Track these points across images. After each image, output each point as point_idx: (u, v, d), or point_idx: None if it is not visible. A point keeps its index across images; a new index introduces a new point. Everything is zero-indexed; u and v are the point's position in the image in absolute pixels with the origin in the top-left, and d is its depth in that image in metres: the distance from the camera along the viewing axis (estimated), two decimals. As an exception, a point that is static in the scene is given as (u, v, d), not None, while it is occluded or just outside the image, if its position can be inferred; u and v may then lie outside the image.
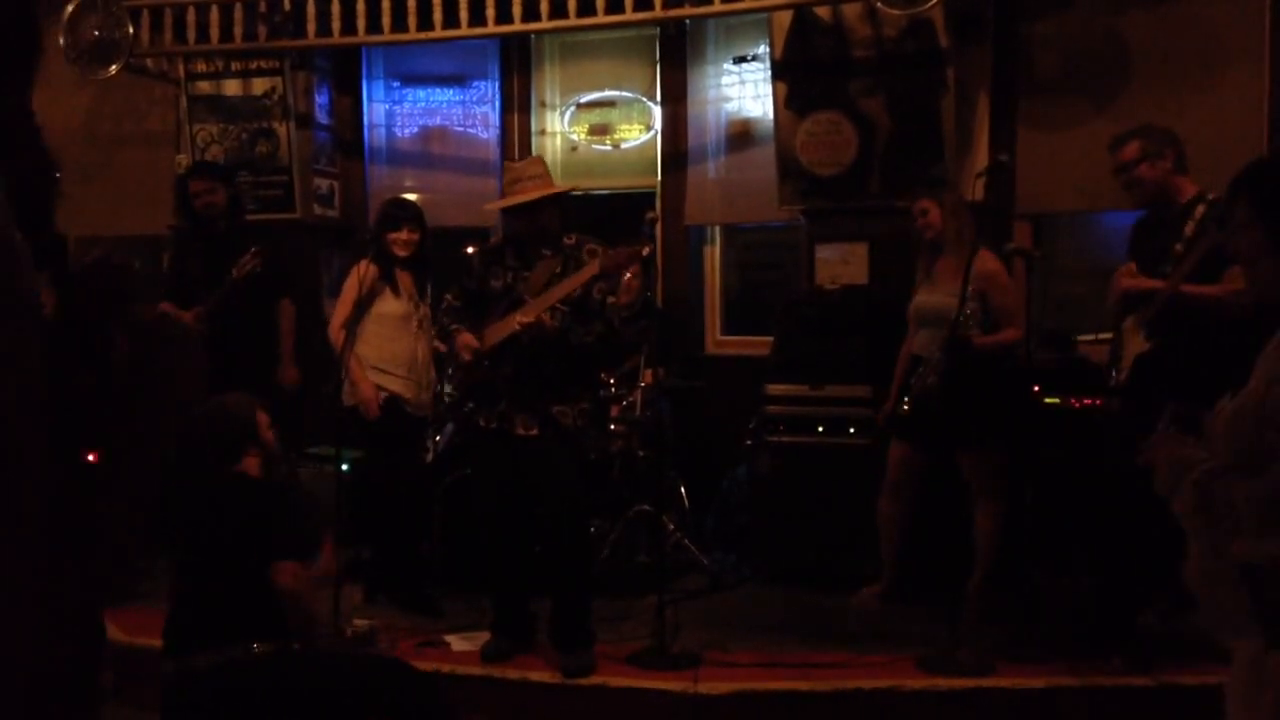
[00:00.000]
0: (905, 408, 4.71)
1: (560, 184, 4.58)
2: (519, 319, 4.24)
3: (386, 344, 5.04)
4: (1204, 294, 3.94)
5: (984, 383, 4.65)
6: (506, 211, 4.51)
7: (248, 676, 3.11)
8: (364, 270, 5.00)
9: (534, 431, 4.34)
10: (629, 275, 4.39)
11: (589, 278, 4.24)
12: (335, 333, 5.06)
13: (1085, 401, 4.84)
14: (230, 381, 5.25)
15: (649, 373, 5.62)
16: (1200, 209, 4.10)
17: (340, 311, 5.08)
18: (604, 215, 6.25)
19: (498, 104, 6.98)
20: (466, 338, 4.41)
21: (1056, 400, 4.89)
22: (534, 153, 6.73)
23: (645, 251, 4.25)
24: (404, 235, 5.05)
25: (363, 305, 5.00)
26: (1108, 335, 4.51)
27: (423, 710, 3.29)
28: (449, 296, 4.61)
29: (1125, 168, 4.28)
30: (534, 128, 6.96)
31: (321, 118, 6.89)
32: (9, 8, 0.96)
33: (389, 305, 5.07)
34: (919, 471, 4.91)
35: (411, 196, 6.29)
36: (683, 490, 5.78)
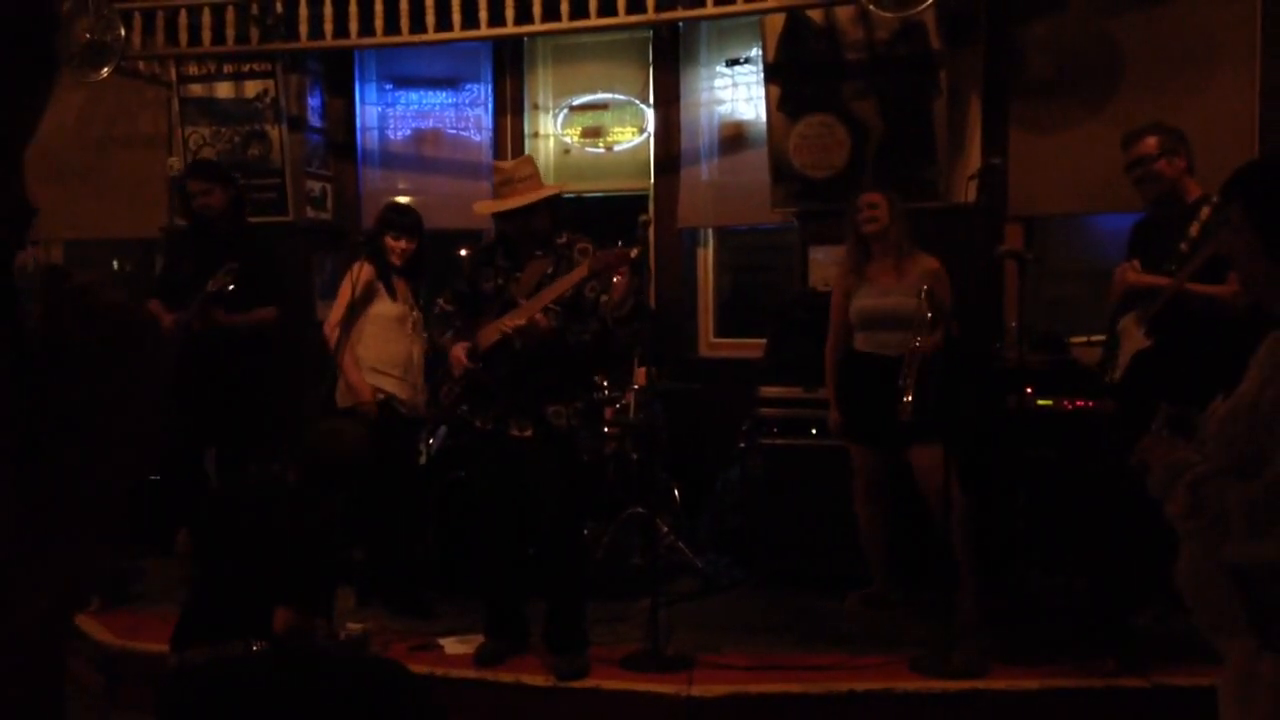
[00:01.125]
0: (908, 399, 4.56)
1: (551, 186, 4.58)
2: (508, 323, 4.24)
3: (383, 345, 5.05)
4: (1208, 293, 3.94)
5: (957, 381, 4.62)
6: (498, 214, 4.50)
7: (243, 672, 3.11)
8: (357, 272, 5.01)
9: (528, 433, 4.33)
10: (618, 276, 4.40)
11: (579, 279, 4.24)
12: (329, 331, 5.08)
13: (1078, 403, 4.85)
14: (214, 390, 5.25)
15: (642, 375, 5.62)
16: (1205, 210, 4.09)
17: (334, 312, 5.10)
18: (597, 218, 6.24)
19: (490, 106, 6.98)
20: (458, 352, 4.40)
21: (1049, 402, 4.90)
22: (526, 154, 6.74)
23: (634, 254, 4.26)
24: (401, 244, 5.06)
25: (357, 306, 5.00)
26: (1100, 337, 4.52)
27: (417, 711, 3.29)
28: (440, 301, 4.60)
29: (1142, 162, 4.24)
30: (527, 130, 6.96)
31: (314, 120, 6.88)
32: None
33: (385, 307, 5.08)
34: (886, 471, 4.91)
35: (404, 199, 6.28)
36: (676, 492, 5.78)
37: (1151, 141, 4.23)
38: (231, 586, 3.21)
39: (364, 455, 3.60)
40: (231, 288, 5.16)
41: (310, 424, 3.79)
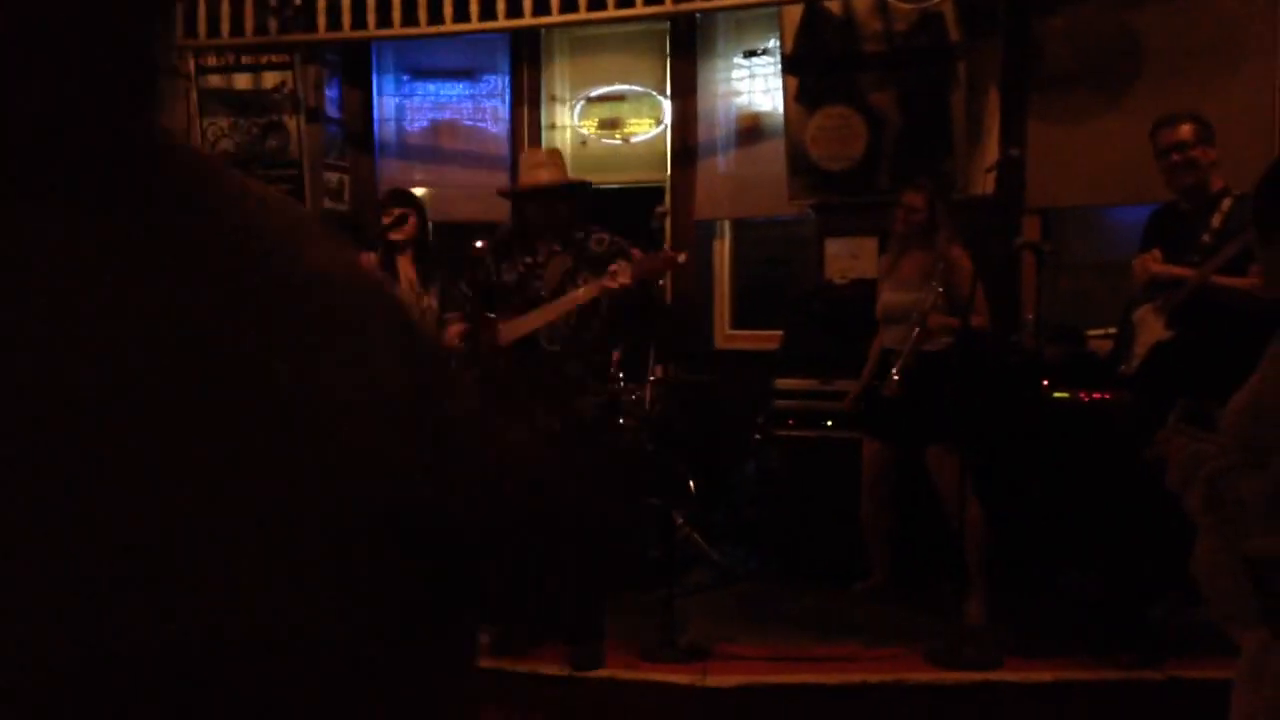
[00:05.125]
0: (895, 377, 4.61)
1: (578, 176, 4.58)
2: (621, 278, 4.11)
3: None
4: (1234, 285, 3.92)
5: (957, 377, 4.58)
6: (523, 197, 4.50)
7: None
8: None
9: (555, 426, 4.34)
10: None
11: (622, 287, 4.11)
12: None
13: (1095, 395, 4.84)
14: None
15: (658, 367, 5.63)
16: (1227, 202, 4.09)
17: None
18: (613, 209, 6.25)
19: (507, 98, 6.99)
20: (456, 328, 4.42)
21: (1066, 395, 4.89)
22: (544, 147, 6.75)
23: (681, 258, 4.22)
24: (396, 214, 5.05)
25: None
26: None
27: None
28: (463, 284, 4.58)
29: (1180, 146, 4.20)
30: (544, 122, 6.97)
31: (331, 111, 6.91)
32: None
33: None
34: (892, 467, 4.90)
35: (420, 190, 6.30)
36: (691, 484, 5.79)
37: (1188, 129, 4.20)
38: None
39: None
40: None
41: None
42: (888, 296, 4.92)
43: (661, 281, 5.29)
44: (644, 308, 4.37)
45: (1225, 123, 4.86)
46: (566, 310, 4.25)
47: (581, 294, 4.25)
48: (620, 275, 4.15)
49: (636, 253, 4.33)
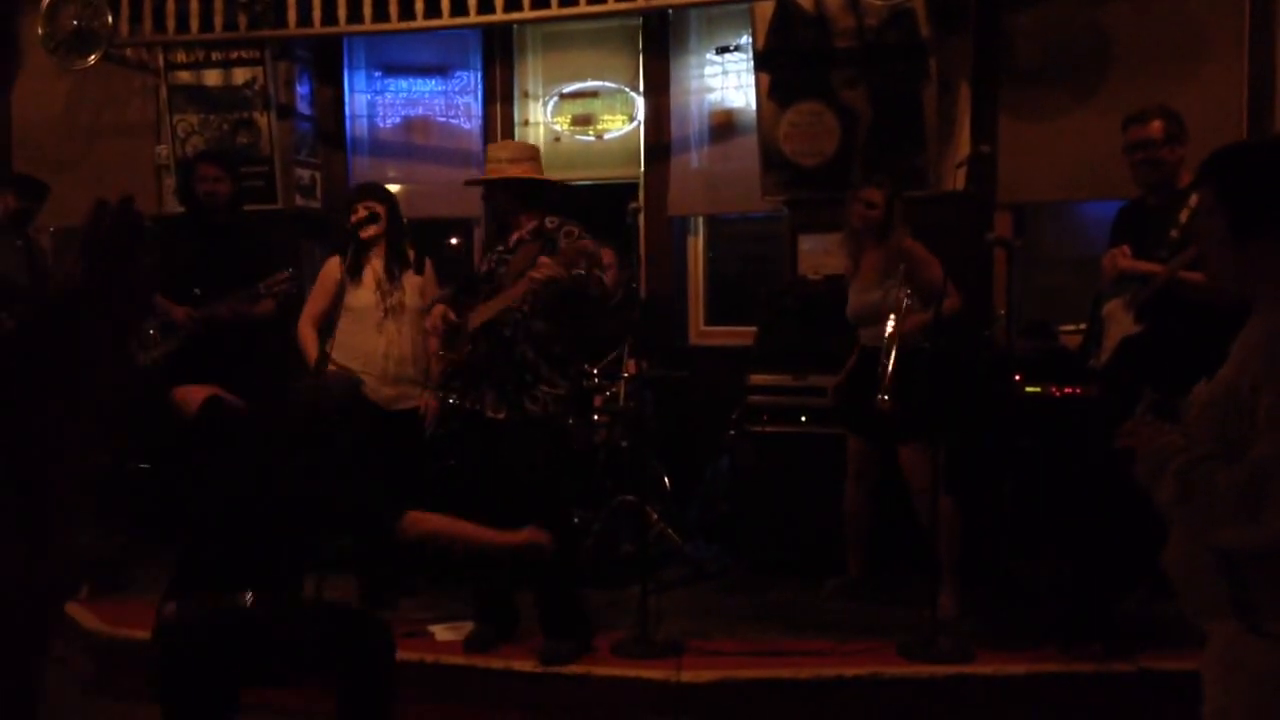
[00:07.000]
0: (885, 398, 4.56)
1: (520, 169, 4.53)
2: (545, 270, 4.21)
3: (348, 338, 4.86)
4: (1201, 281, 3.94)
5: (932, 375, 4.57)
6: (486, 187, 4.56)
7: (235, 626, 3.14)
8: (325, 271, 5.11)
9: (501, 415, 4.34)
10: (610, 270, 4.39)
11: (544, 279, 4.20)
12: (300, 330, 5.07)
13: (1066, 390, 4.86)
14: (216, 380, 5.21)
15: (632, 363, 5.62)
16: (1195, 197, 4.10)
17: (306, 310, 5.15)
18: (587, 206, 6.24)
19: (480, 94, 6.96)
20: (438, 308, 4.50)
21: (1037, 389, 4.91)
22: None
23: (607, 258, 4.28)
24: (360, 210, 5.00)
25: (333, 301, 4.93)
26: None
27: (373, 649, 3.32)
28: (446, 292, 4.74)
29: (1146, 145, 4.22)
30: (517, 118, 6.95)
31: (303, 108, 6.86)
32: None
33: (353, 298, 4.95)
34: (875, 462, 4.91)
35: (394, 187, 6.24)
36: (666, 480, 5.79)
37: (1157, 125, 4.22)
38: (225, 539, 3.24)
39: (348, 408, 3.67)
40: (292, 292, 5.27)
41: (296, 381, 3.87)
42: (855, 300, 4.93)
43: (634, 283, 5.30)
44: (575, 296, 4.37)
45: (1193, 117, 4.89)
46: (508, 301, 4.30)
47: (514, 288, 4.30)
48: (544, 268, 4.22)
49: (607, 252, 4.34)
